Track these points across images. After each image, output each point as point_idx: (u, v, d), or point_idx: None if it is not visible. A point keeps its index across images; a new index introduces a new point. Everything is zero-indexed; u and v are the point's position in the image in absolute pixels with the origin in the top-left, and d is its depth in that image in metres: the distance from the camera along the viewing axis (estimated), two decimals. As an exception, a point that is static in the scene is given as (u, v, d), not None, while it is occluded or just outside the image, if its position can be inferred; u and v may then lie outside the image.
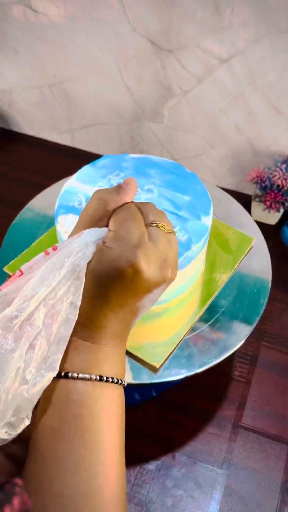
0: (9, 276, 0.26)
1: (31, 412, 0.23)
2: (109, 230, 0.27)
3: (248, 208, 0.75)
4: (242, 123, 0.88)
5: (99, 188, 0.30)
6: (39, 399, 0.25)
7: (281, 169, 0.84)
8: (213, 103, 0.87)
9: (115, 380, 0.27)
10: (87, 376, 0.25)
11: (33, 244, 0.62)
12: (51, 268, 0.26)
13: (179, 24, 0.78)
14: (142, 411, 0.66)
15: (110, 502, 0.24)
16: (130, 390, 0.69)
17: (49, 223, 0.67)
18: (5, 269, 0.57)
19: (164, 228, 0.28)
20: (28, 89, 1.03)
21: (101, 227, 0.28)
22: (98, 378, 0.26)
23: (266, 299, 0.58)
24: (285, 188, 0.85)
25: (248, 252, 0.60)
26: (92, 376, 0.26)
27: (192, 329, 0.55)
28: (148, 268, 0.25)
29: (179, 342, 0.53)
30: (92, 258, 0.26)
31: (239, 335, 0.55)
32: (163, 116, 0.94)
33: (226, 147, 0.94)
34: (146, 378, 0.48)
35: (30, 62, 0.97)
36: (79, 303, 0.25)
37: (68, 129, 1.09)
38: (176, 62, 0.84)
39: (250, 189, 0.98)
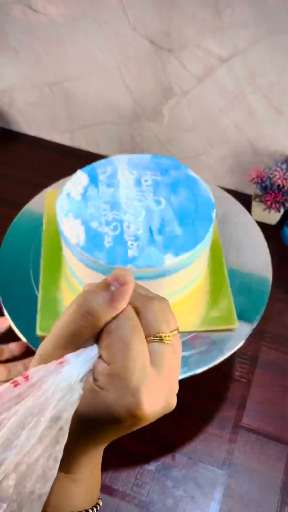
0: None
1: None
2: (101, 358, 0.21)
3: (248, 208, 0.75)
4: (242, 123, 0.88)
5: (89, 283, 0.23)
6: None
7: (281, 169, 0.84)
8: (213, 103, 0.87)
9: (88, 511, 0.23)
10: None
11: (41, 293, 0.58)
12: (22, 423, 0.19)
13: (179, 24, 0.78)
14: (142, 411, 0.66)
15: None
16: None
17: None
18: (38, 333, 0.54)
19: (171, 339, 0.22)
20: (28, 88, 1.03)
21: (87, 346, 0.21)
22: None
23: (267, 299, 0.58)
24: (286, 188, 0.85)
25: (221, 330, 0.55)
26: None
27: (192, 329, 0.55)
28: (152, 410, 0.21)
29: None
30: (79, 400, 0.20)
31: (239, 335, 0.55)
32: (163, 116, 0.94)
33: (226, 147, 0.94)
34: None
35: (30, 62, 0.97)
36: (60, 455, 0.20)
37: (68, 129, 1.09)
38: (176, 62, 0.84)
39: (250, 189, 0.98)
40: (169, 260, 0.48)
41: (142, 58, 0.86)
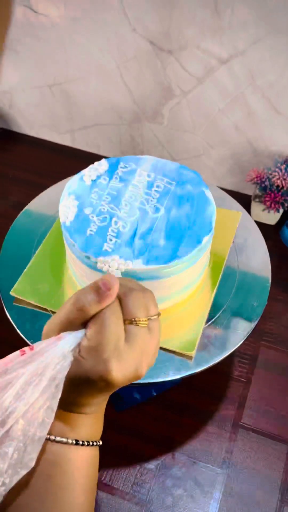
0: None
1: None
2: (86, 335, 0.27)
3: (247, 208, 0.75)
4: (242, 123, 0.88)
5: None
6: None
7: (280, 170, 0.85)
8: (213, 104, 0.87)
9: (90, 443, 0.28)
10: (64, 440, 0.27)
11: (32, 260, 0.62)
12: (28, 381, 0.25)
13: (179, 24, 0.78)
14: (142, 411, 0.66)
15: None
16: (130, 390, 0.69)
17: (49, 223, 0.67)
18: (12, 293, 0.58)
19: (145, 323, 0.28)
20: (29, 89, 1.03)
21: (80, 329, 0.27)
22: (74, 442, 0.27)
23: (266, 299, 0.58)
24: (285, 188, 0.85)
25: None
26: (69, 440, 0.27)
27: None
28: (120, 376, 0.26)
29: (202, 327, 0.54)
30: (70, 365, 0.26)
31: (239, 334, 0.55)
32: (163, 117, 0.95)
33: (226, 147, 0.94)
34: (146, 377, 0.49)
35: (30, 63, 0.97)
36: (55, 407, 0.26)
37: (69, 130, 1.09)
38: (176, 63, 0.84)
39: (250, 189, 0.98)
40: (137, 265, 0.48)
41: (142, 59, 0.86)
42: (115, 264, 0.48)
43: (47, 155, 1.10)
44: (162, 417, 0.66)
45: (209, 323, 0.56)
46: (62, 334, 0.27)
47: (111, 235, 0.50)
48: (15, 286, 0.57)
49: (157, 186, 0.55)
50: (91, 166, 0.58)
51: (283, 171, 0.84)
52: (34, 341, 0.54)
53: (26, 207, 0.69)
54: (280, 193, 0.86)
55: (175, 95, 0.89)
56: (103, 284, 0.27)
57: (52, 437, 0.27)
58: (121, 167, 0.57)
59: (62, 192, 0.56)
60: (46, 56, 0.94)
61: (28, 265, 0.60)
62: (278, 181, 0.84)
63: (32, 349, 0.27)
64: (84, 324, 0.27)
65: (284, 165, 0.85)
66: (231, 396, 0.68)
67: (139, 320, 0.27)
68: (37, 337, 0.55)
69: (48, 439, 0.26)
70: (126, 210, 0.53)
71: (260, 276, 0.61)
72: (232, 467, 0.62)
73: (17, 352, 0.27)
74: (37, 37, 0.91)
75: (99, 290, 0.27)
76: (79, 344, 0.26)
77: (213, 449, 0.63)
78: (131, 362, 0.26)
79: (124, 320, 0.27)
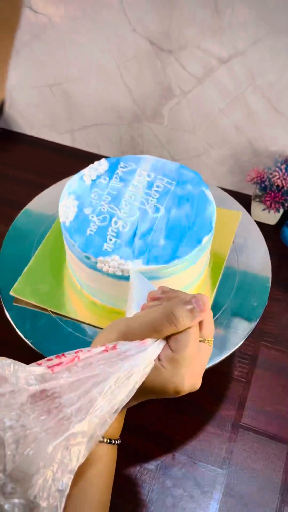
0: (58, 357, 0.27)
1: None
2: (169, 346, 0.28)
3: (248, 208, 0.75)
4: (242, 123, 0.88)
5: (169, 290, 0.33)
6: None
7: (280, 169, 0.84)
8: (213, 104, 0.87)
9: (113, 441, 0.30)
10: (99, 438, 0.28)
11: (31, 260, 0.62)
12: (117, 383, 0.27)
13: (179, 24, 0.78)
14: (142, 410, 0.66)
15: None
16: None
17: (49, 223, 0.67)
18: (11, 293, 0.58)
19: (211, 343, 0.30)
20: (28, 89, 1.03)
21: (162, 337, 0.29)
22: (107, 440, 0.30)
23: (266, 299, 0.58)
24: (285, 188, 0.85)
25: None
26: (104, 438, 0.29)
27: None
28: (187, 389, 0.28)
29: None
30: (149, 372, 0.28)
31: (239, 334, 0.55)
32: (163, 117, 0.95)
33: (226, 147, 0.94)
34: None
35: (30, 62, 0.97)
36: (119, 410, 0.27)
37: (68, 129, 1.09)
38: (176, 63, 0.84)
39: (250, 189, 0.98)
40: (136, 265, 0.47)
41: (142, 59, 0.86)
42: (115, 264, 0.48)
43: (47, 155, 1.10)
44: (162, 417, 0.66)
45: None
46: (148, 340, 0.28)
47: (111, 235, 0.50)
48: (14, 286, 0.57)
49: (157, 186, 0.55)
50: (91, 166, 0.58)
51: (283, 171, 0.84)
52: (34, 341, 0.54)
53: (26, 207, 0.69)
54: (280, 193, 0.86)
55: (175, 95, 0.89)
56: (197, 304, 0.29)
57: None
58: (121, 167, 0.57)
59: (62, 192, 0.56)
60: (46, 56, 0.94)
61: (28, 265, 0.60)
62: (278, 181, 0.84)
63: (115, 348, 0.28)
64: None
65: (284, 165, 0.85)
66: (231, 396, 0.68)
67: (209, 341, 0.30)
68: (37, 337, 0.54)
69: None
70: (126, 210, 0.53)
71: (260, 276, 0.61)
72: (232, 467, 0.62)
73: (100, 348, 0.28)
74: (37, 37, 0.91)
75: (194, 310, 0.28)
76: (160, 353, 0.28)
77: (213, 449, 0.63)
78: (196, 372, 0.29)
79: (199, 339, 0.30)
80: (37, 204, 0.69)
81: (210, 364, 0.52)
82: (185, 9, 0.75)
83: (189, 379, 0.28)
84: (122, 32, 0.83)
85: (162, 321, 0.28)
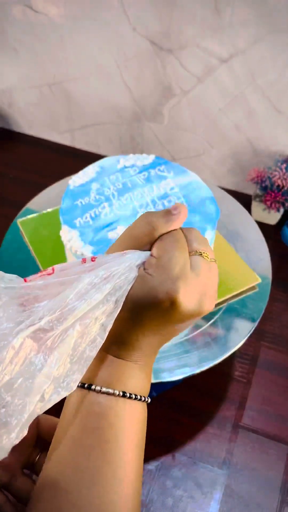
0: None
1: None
2: (152, 255, 0.26)
3: (248, 208, 0.75)
4: (242, 123, 0.88)
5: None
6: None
7: (281, 169, 0.84)
8: (213, 103, 0.87)
9: (138, 397, 0.26)
10: (110, 391, 0.25)
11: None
12: (92, 284, 0.25)
13: (179, 24, 0.78)
14: (142, 411, 0.66)
15: None
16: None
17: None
18: (19, 222, 0.60)
19: (207, 257, 0.27)
20: (28, 88, 1.03)
21: (144, 250, 0.27)
22: (121, 394, 0.26)
23: (267, 299, 0.58)
24: (285, 188, 0.85)
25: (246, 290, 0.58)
26: (116, 391, 0.25)
27: (194, 328, 0.55)
28: (186, 301, 0.25)
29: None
30: (133, 283, 0.25)
31: (239, 334, 0.55)
32: (163, 116, 0.94)
33: (226, 147, 0.94)
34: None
35: (30, 62, 0.97)
36: (110, 326, 0.25)
37: (68, 129, 1.09)
38: (176, 62, 0.84)
39: (250, 189, 0.98)
40: (86, 251, 0.50)
41: (142, 58, 0.86)
42: (74, 239, 0.50)
43: (47, 154, 1.09)
44: (162, 417, 0.65)
45: (209, 323, 0.55)
46: (128, 250, 0.26)
47: (90, 215, 0.52)
48: (25, 218, 0.60)
49: (169, 201, 0.55)
50: (139, 155, 0.59)
51: (284, 170, 0.84)
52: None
53: (26, 206, 0.69)
54: (280, 193, 0.85)
55: (175, 95, 0.89)
56: (173, 207, 0.27)
57: (98, 388, 0.25)
58: (159, 170, 0.57)
59: (62, 191, 0.56)
60: (46, 55, 0.94)
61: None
62: (279, 181, 0.84)
63: (93, 260, 0.26)
64: (149, 247, 0.27)
65: (284, 165, 0.85)
66: (231, 396, 0.68)
67: (203, 253, 0.27)
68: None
69: (93, 390, 0.25)
70: (121, 203, 0.52)
71: (261, 276, 0.60)
72: (232, 467, 0.62)
73: (78, 260, 0.26)
74: (37, 36, 0.91)
75: (168, 211, 0.27)
76: (143, 263, 0.26)
77: (213, 449, 0.63)
78: (196, 289, 0.25)
79: (189, 252, 0.27)
80: (37, 204, 0.69)
81: (211, 364, 0.52)
82: (185, 8, 0.75)
83: (185, 289, 0.24)
84: (122, 32, 0.83)
85: (139, 227, 0.27)
